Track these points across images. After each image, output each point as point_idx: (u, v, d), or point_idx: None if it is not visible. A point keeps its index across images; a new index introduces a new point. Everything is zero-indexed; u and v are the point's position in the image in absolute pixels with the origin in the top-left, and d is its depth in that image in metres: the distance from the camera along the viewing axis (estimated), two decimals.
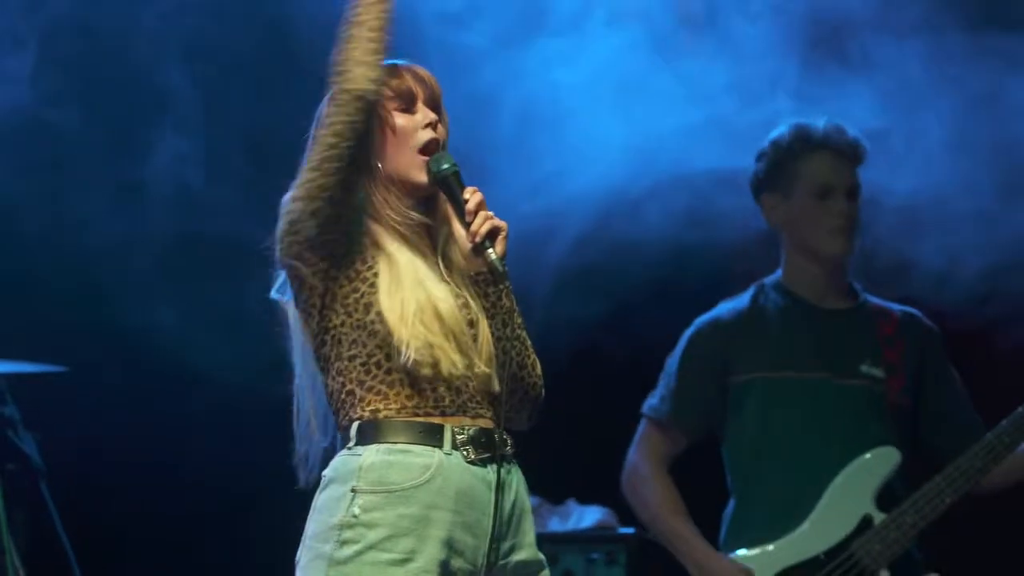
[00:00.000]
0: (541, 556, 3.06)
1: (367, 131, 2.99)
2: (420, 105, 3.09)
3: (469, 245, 3.03)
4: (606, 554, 4.70)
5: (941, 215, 4.49)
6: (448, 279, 3.06)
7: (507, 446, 3.04)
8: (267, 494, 5.19)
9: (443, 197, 3.07)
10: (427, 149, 3.06)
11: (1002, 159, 4.58)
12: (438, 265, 3.07)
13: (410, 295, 2.98)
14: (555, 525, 4.94)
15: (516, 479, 3.05)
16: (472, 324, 3.03)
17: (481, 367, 3.02)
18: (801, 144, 4.02)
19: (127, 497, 5.23)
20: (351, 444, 2.99)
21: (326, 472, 3.02)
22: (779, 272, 4.12)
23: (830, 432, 3.97)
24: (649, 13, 4.62)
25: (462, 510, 2.98)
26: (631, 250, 4.85)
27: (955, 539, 4.12)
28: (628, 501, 4.13)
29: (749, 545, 3.95)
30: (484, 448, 3.00)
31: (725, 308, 4.12)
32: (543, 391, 3.11)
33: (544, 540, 4.78)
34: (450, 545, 2.95)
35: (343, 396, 3.00)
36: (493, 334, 3.05)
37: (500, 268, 3.01)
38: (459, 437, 2.99)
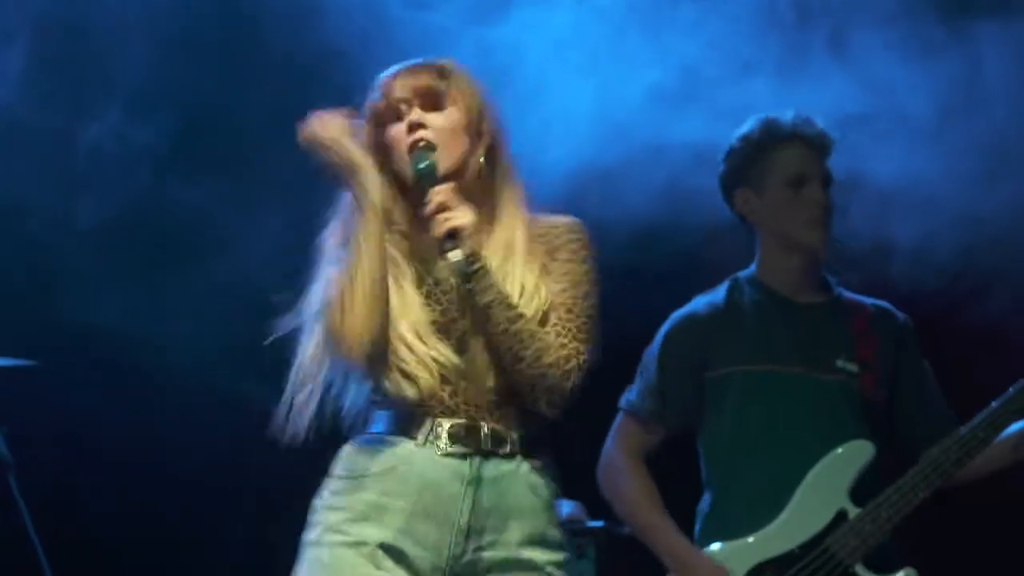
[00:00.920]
0: (528, 557, 3.05)
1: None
2: (407, 108, 3.16)
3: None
4: (575, 547, 4.64)
5: (918, 197, 4.48)
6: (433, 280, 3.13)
7: (503, 444, 3.08)
8: (243, 486, 5.16)
9: None
10: (411, 150, 3.14)
11: (980, 142, 4.56)
12: (422, 266, 3.14)
13: (395, 297, 3.07)
14: None
15: (511, 478, 3.07)
16: (454, 322, 3.10)
17: (474, 365, 3.08)
18: (771, 137, 3.99)
19: (97, 492, 5.18)
20: None
21: None
22: (753, 267, 4.09)
23: (807, 427, 3.93)
24: None
25: (426, 500, 3.02)
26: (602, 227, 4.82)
27: (929, 533, 4.06)
28: (604, 494, 4.08)
29: (724, 539, 3.91)
30: (462, 442, 3.04)
31: (701, 302, 4.09)
32: (561, 379, 3.11)
33: None
34: (407, 533, 3.00)
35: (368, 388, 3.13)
36: (480, 331, 3.08)
37: (464, 268, 3.03)
38: (437, 430, 3.04)
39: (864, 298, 4.10)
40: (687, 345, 4.03)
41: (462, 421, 3.07)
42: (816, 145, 3.99)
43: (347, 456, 3.11)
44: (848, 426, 3.92)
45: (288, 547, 5.13)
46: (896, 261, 4.66)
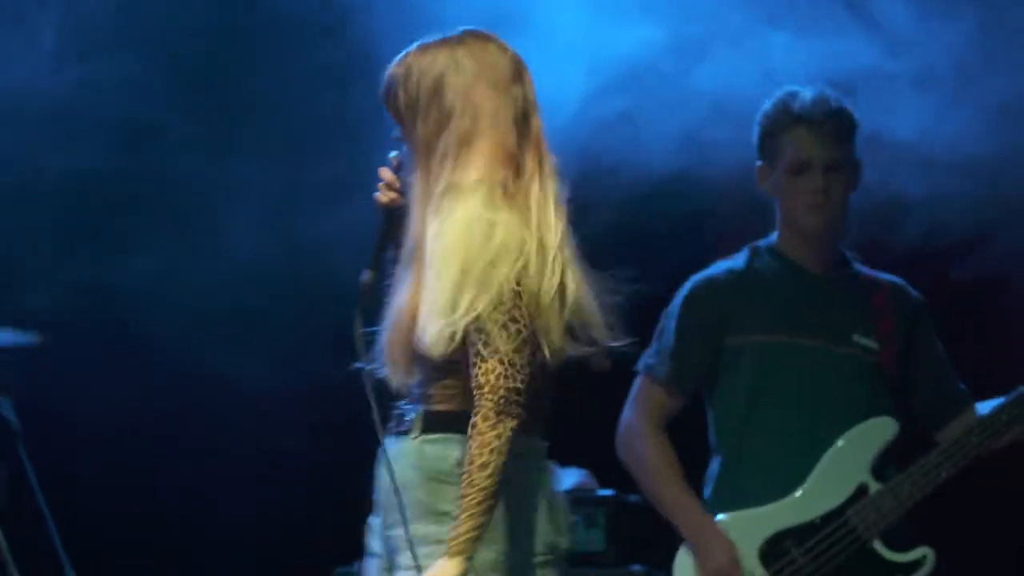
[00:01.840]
0: (397, 533, 3.01)
1: None
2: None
3: None
4: (585, 516, 4.56)
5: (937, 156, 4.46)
6: None
7: (404, 421, 3.05)
8: (242, 464, 5.13)
9: None
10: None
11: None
12: None
13: None
14: None
15: (401, 454, 3.03)
16: None
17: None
18: (782, 118, 3.97)
19: (101, 469, 5.13)
20: None
21: None
22: (774, 235, 4.06)
23: (824, 399, 3.91)
24: None
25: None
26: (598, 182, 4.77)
27: (948, 514, 4.05)
28: (623, 460, 4.02)
29: (738, 506, 3.89)
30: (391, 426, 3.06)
31: (721, 267, 4.06)
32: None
33: None
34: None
35: None
36: None
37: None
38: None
39: (882, 274, 4.09)
40: (707, 308, 3.99)
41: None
42: (824, 130, 3.94)
43: None
44: (866, 401, 3.92)
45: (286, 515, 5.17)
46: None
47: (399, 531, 2.99)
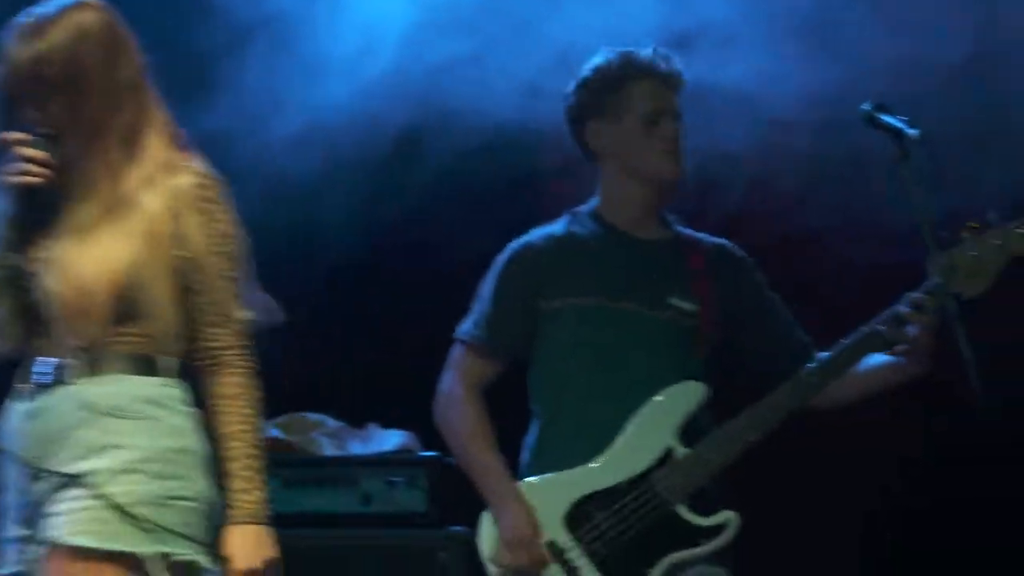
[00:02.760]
0: (82, 468, 3.08)
1: None
2: None
3: None
4: (407, 477, 4.61)
5: None
6: None
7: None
8: None
9: None
10: None
11: None
12: None
13: None
14: (356, 448, 4.83)
15: (63, 398, 3.13)
16: None
17: None
18: (629, 70, 4.00)
19: None
20: None
21: None
22: (594, 201, 4.08)
23: (635, 363, 3.91)
24: None
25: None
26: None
27: (756, 478, 4.02)
28: (438, 425, 4.04)
29: (549, 471, 3.90)
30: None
31: (538, 233, 4.08)
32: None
33: (345, 463, 4.74)
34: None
35: None
36: None
37: None
38: None
39: (703, 235, 4.10)
40: (523, 274, 4.02)
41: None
42: (671, 82, 4.02)
43: None
44: (680, 364, 3.92)
45: None
46: None
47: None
